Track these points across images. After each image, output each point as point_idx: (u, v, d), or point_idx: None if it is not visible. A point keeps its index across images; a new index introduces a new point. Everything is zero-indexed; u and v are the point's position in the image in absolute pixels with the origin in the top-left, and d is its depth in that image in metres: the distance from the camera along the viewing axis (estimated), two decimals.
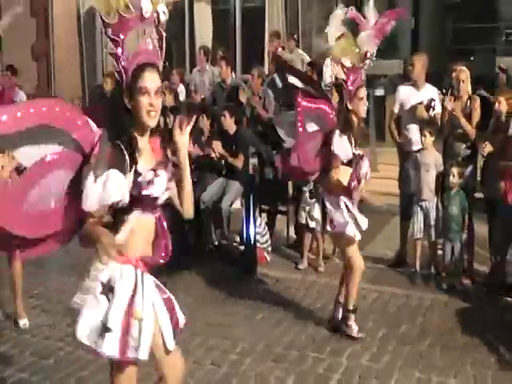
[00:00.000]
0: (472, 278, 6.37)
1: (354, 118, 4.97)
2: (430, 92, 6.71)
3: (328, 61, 9.76)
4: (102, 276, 2.86)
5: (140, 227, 2.93)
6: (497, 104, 6.24)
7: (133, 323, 2.83)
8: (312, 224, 6.74)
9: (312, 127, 4.99)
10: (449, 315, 5.64)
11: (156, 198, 2.91)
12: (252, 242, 6.72)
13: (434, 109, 6.50)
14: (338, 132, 4.85)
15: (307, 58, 9.99)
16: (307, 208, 6.70)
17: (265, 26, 12.08)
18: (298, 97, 5.11)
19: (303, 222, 6.81)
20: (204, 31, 12.78)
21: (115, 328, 2.81)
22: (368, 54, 4.90)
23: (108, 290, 2.86)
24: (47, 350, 4.95)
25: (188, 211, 3.15)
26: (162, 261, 3.04)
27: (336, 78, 9.41)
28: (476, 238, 6.54)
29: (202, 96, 9.76)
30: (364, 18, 4.97)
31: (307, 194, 6.70)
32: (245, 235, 6.72)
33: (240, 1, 12.39)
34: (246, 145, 7.37)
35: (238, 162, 7.12)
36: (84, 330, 2.86)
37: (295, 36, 10.95)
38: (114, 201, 2.75)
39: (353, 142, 4.96)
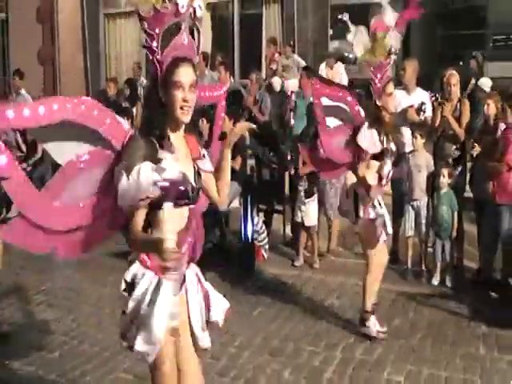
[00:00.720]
0: (461, 273, 6.52)
1: (385, 114, 4.95)
2: (420, 95, 6.84)
3: (323, 65, 9.95)
4: (127, 275, 2.88)
5: (171, 222, 2.79)
6: (485, 107, 6.40)
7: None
8: (307, 222, 6.95)
9: (336, 121, 5.02)
10: (439, 310, 5.76)
11: (185, 193, 2.81)
12: (250, 240, 6.86)
13: (424, 112, 6.63)
14: (365, 126, 4.85)
15: (303, 63, 10.08)
16: (303, 207, 6.88)
17: (262, 33, 12.18)
18: (314, 82, 5.12)
19: (299, 220, 6.96)
20: (203, 37, 12.91)
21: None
22: (392, 50, 4.88)
23: (129, 287, 2.88)
24: (53, 344, 5.05)
25: (223, 200, 3.16)
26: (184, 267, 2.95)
27: None
28: (465, 236, 6.68)
29: None
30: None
31: (302, 194, 6.88)
32: (243, 234, 6.85)
33: (238, 8, 12.50)
34: (244, 147, 7.51)
35: (236, 164, 7.26)
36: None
37: (291, 42, 11.09)
38: (146, 195, 2.68)
39: (384, 138, 4.93)
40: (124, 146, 2.84)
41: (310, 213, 6.89)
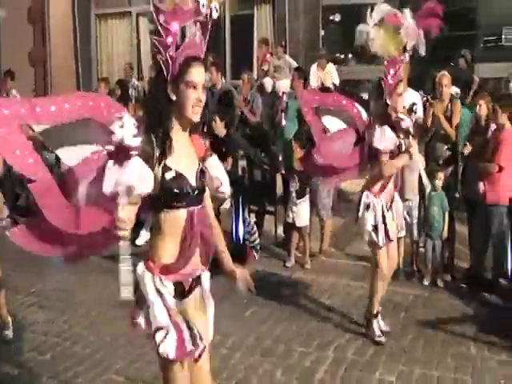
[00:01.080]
0: (452, 274, 6.55)
1: (393, 113, 4.87)
2: (412, 96, 6.87)
3: (314, 66, 9.97)
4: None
5: (171, 225, 2.79)
6: (477, 107, 6.45)
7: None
8: (299, 222, 6.97)
9: (337, 121, 4.98)
10: (430, 310, 5.79)
11: (181, 194, 2.77)
12: (241, 241, 6.88)
13: (415, 112, 6.65)
14: (376, 127, 4.77)
15: (294, 64, 10.10)
16: (294, 208, 6.90)
17: (254, 33, 12.20)
18: (302, 91, 5.08)
19: (290, 221, 6.99)
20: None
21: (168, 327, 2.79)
22: (408, 47, 4.82)
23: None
24: (45, 346, 5.05)
25: None
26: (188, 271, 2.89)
27: (322, 83, 9.64)
28: (456, 236, 6.69)
29: None
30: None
31: (294, 194, 6.90)
32: (234, 234, 6.87)
33: (229, 9, 12.50)
34: (235, 147, 7.53)
35: (228, 164, 7.26)
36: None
37: (283, 43, 11.11)
38: (129, 185, 2.55)
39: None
40: None
41: (301, 213, 6.91)
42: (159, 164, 2.71)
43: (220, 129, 7.34)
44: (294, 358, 4.87)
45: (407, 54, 4.88)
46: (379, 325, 5.22)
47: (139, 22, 13.33)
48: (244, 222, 6.89)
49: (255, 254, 7.12)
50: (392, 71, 4.79)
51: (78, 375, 4.58)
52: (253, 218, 7.55)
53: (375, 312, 5.17)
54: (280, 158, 7.43)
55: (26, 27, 13.46)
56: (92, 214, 2.80)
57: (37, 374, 4.60)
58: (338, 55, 12.02)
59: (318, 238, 7.35)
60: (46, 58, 13.59)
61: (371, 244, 5.09)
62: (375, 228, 4.95)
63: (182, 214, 2.80)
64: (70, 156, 2.78)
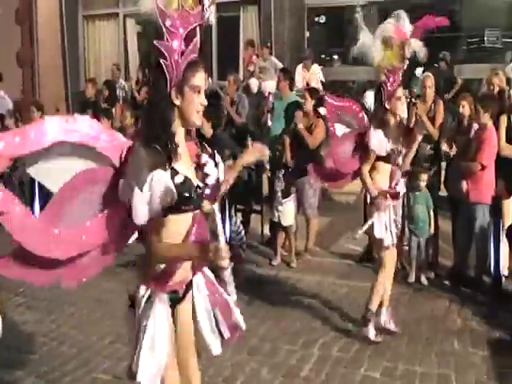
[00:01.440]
0: (436, 271, 6.61)
1: (391, 118, 4.95)
2: None
3: (299, 67, 10.03)
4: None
5: (173, 230, 2.76)
6: (461, 108, 6.53)
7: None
8: (284, 222, 7.01)
9: (342, 129, 5.12)
10: (414, 307, 5.84)
11: (190, 198, 2.73)
12: (228, 240, 6.88)
13: None
14: (372, 128, 4.88)
15: (280, 65, 10.13)
16: (280, 207, 6.95)
17: (240, 35, 12.23)
18: (326, 96, 5.21)
19: (276, 220, 7.04)
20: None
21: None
22: (407, 55, 4.91)
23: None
24: (32, 346, 5.05)
25: None
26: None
27: (307, 83, 9.69)
28: (440, 234, 6.76)
29: None
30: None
31: (279, 194, 6.95)
32: None
33: (216, 10, 12.51)
34: (222, 147, 7.55)
35: None
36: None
37: (268, 44, 11.09)
38: (162, 204, 2.61)
39: (389, 140, 4.91)
40: (126, 159, 2.75)
41: (287, 213, 6.96)
42: (168, 168, 2.66)
43: (207, 129, 7.37)
44: (280, 356, 4.89)
45: (407, 61, 4.96)
46: (384, 321, 5.24)
47: (126, 24, 13.33)
48: (230, 220, 6.91)
49: (241, 252, 7.13)
50: (392, 79, 4.89)
51: (66, 374, 4.59)
52: (239, 217, 7.58)
53: (374, 311, 5.14)
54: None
55: (13, 28, 13.43)
56: (76, 238, 2.76)
57: (24, 374, 4.59)
58: (323, 56, 12.07)
59: (303, 237, 7.39)
60: (33, 58, 13.56)
61: (378, 245, 5.11)
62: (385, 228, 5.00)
63: (187, 217, 2.79)
64: (51, 178, 2.74)
